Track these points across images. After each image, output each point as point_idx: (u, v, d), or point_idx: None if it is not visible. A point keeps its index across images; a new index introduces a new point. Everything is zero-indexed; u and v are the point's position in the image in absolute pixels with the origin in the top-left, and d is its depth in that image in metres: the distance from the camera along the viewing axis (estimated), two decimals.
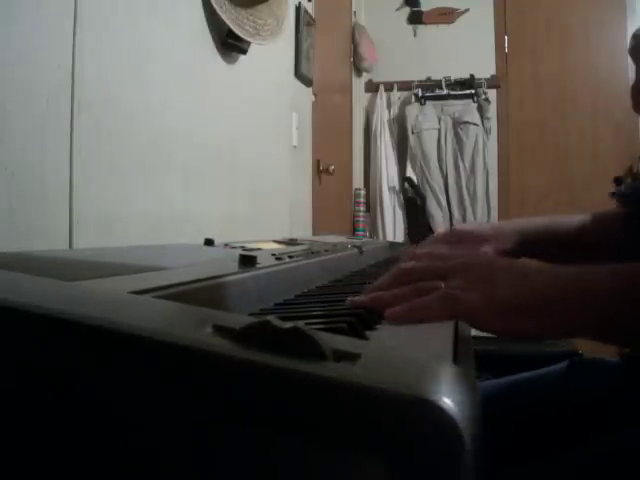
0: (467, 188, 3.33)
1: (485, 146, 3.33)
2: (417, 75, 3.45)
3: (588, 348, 2.20)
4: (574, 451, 0.61)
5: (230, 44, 1.44)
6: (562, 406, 0.72)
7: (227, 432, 0.23)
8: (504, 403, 0.77)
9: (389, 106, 3.50)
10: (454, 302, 0.45)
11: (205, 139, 1.36)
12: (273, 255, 0.75)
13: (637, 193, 0.84)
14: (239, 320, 0.27)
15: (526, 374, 0.83)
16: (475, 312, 0.44)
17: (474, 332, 0.48)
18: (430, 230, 3.30)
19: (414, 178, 3.37)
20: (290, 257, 0.77)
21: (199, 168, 1.33)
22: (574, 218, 0.86)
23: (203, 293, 0.48)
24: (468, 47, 3.44)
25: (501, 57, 3.48)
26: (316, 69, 2.32)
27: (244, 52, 1.49)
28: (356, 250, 1.17)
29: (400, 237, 3.41)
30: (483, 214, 3.33)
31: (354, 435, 0.21)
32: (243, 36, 1.39)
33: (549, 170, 3.40)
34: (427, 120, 3.38)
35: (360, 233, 3.18)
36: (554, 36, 3.44)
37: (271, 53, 1.70)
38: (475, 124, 3.33)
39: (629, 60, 0.89)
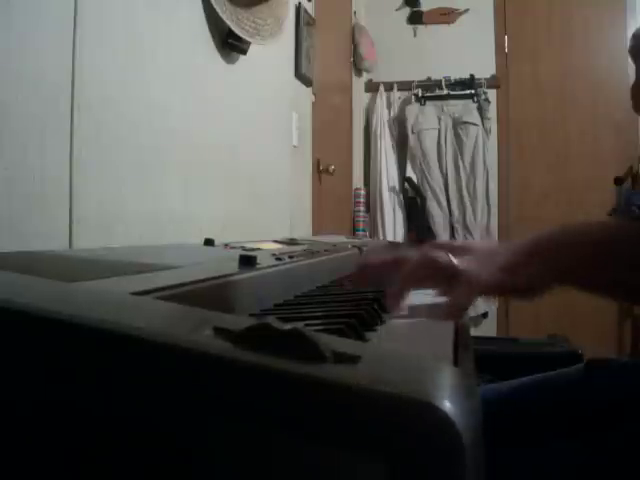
0: (467, 188, 3.33)
1: (485, 146, 3.33)
2: (417, 75, 3.45)
3: (588, 349, 2.20)
4: (590, 451, 0.62)
5: (230, 44, 1.43)
6: (580, 405, 0.72)
7: (227, 433, 0.23)
8: (520, 404, 0.77)
9: (389, 106, 3.50)
10: (472, 283, 0.54)
11: (205, 139, 1.36)
12: (273, 255, 0.75)
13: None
14: (239, 322, 0.27)
15: (540, 376, 0.82)
16: (486, 281, 0.54)
17: (474, 332, 0.50)
18: (430, 230, 3.30)
19: (414, 178, 3.37)
20: (290, 257, 0.77)
21: (199, 168, 1.33)
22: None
23: (203, 294, 0.48)
24: (468, 47, 3.44)
25: (501, 57, 3.48)
26: (316, 69, 2.32)
27: (244, 52, 1.49)
28: (356, 250, 1.17)
29: (400, 237, 3.41)
30: (483, 214, 3.33)
31: (354, 436, 0.21)
32: (243, 36, 1.39)
33: (549, 170, 3.40)
34: (427, 120, 3.38)
35: (360, 233, 3.18)
36: (554, 36, 3.44)
37: (271, 53, 1.70)
38: (475, 124, 3.32)
39: (629, 60, 0.89)
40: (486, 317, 3.26)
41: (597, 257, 0.55)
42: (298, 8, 2.12)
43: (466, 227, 3.30)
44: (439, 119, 3.39)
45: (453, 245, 0.63)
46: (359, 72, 3.45)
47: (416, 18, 3.52)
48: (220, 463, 0.23)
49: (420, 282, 0.57)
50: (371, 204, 3.44)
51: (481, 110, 3.34)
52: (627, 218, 0.99)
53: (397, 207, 3.44)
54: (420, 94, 3.42)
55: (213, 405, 0.23)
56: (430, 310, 0.61)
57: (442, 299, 0.62)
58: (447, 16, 3.48)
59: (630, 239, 0.54)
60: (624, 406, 0.67)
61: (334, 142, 2.85)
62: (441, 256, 0.56)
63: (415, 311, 0.59)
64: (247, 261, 0.63)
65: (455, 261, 0.55)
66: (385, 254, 0.62)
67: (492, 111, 3.40)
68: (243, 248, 0.85)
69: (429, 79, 3.44)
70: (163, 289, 0.43)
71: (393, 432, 0.21)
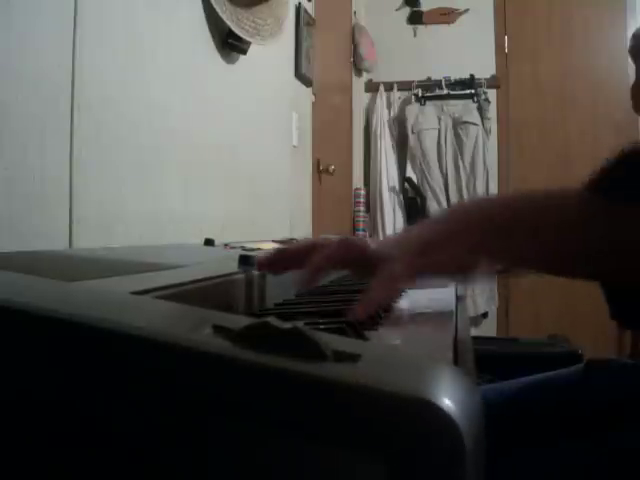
0: (467, 188, 3.33)
1: (485, 146, 3.33)
2: (417, 75, 3.45)
3: (588, 349, 2.20)
4: (590, 451, 0.62)
5: (230, 44, 1.43)
6: (581, 405, 0.72)
7: (227, 432, 0.23)
8: (519, 405, 0.77)
9: (389, 106, 3.50)
10: (393, 276, 0.48)
11: (205, 139, 1.36)
12: None
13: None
14: (239, 320, 0.27)
15: (540, 376, 0.82)
16: (410, 271, 0.48)
17: (474, 332, 0.49)
18: None
19: (414, 178, 3.37)
20: None
21: (199, 168, 1.33)
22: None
23: (203, 293, 0.48)
24: (468, 47, 3.44)
25: (501, 57, 3.48)
26: (316, 69, 2.32)
27: (244, 52, 1.49)
28: None
29: None
30: None
31: (354, 435, 0.21)
32: (243, 36, 1.39)
33: (549, 170, 3.40)
34: (427, 120, 3.38)
35: (360, 233, 3.18)
36: (554, 36, 3.44)
37: (271, 53, 1.70)
38: (475, 124, 3.32)
39: (629, 60, 0.89)
40: (486, 317, 3.26)
41: (563, 245, 0.48)
42: (298, 8, 2.12)
43: None
44: (439, 119, 3.39)
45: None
46: (359, 72, 3.45)
47: (416, 18, 3.52)
48: (220, 462, 0.23)
49: (335, 266, 0.54)
50: (371, 204, 3.44)
51: (481, 110, 3.34)
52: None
53: (397, 207, 3.44)
54: (420, 94, 3.41)
55: (213, 403, 0.23)
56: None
57: (438, 299, 0.62)
58: (447, 16, 3.48)
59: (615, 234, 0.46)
60: (624, 406, 0.67)
61: (334, 142, 2.85)
62: (357, 240, 0.53)
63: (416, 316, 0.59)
64: (247, 261, 0.63)
65: (371, 245, 0.51)
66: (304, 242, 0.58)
67: (492, 111, 3.40)
68: (243, 248, 0.85)
69: (429, 79, 3.44)
70: (163, 288, 0.43)
71: (394, 430, 0.21)
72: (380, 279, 0.48)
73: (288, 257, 0.57)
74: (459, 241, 0.48)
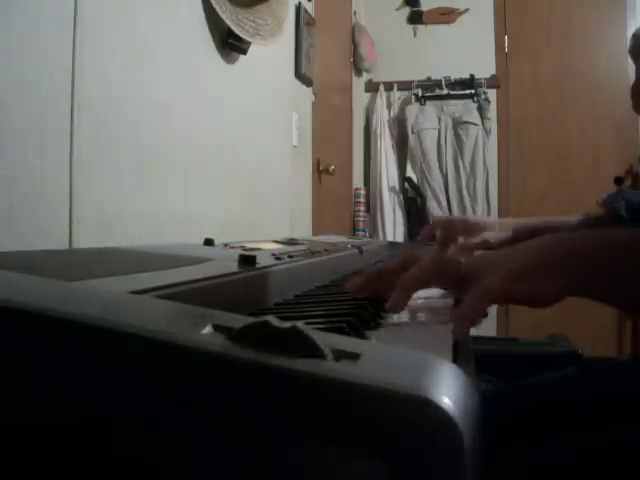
0: (467, 188, 3.33)
1: (485, 146, 3.33)
2: (417, 75, 3.45)
3: (588, 349, 2.20)
4: (589, 450, 0.62)
5: (230, 44, 1.44)
6: (580, 404, 0.72)
7: (226, 431, 0.23)
8: (519, 404, 0.78)
9: (389, 106, 3.50)
10: (486, 292, 0.48)
11: (205, 139, 1.36)
12: (273, 255, 0.75)
13: (612, 200, 0.87)
14: (238, 320, 0.27)
15: (539, 375, 0.82)
16: (502, 291, 0.48)
17: (474, 332, 0.49)
18: None
19: (414, 178, 3.37)
20: (290, 257, 0.77)
21: (199, 168, 1.33)
22: (573, 218, 0.89)
23: (203, 293, 0.48)
24: (468, 47, 3.44)
25: (501, 57, 3.48)
26: (316, 69, 2.32)
27: (244, 52, 1.49)
28: (356, 250, 1.17)
29: (400, 237, 3.41)
30: (483, 214, 3.33)
31: (354, 434, 0.21)
32: (243, 36, 1.39)
33: (549, 170, 3.40)
34: (427, 120, 3.38)
35: (360, 233, 3.18)
36: (554, 36, 3.44)
37: (271, 53, 1.70)
38: (475, 124, 3.33)
39: (629, 60, 0.89)
40: (486, 317, 3.25)
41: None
42: (298, 8, 2.12)
43: None
44: (439, 119, 3.39)
45: (467, 223, 0.56)
46: (359, 72, 3.45)
47: (416, 18, 3.53)
48: (219, 460, 0.24)
49: (427, 285, 0.53)
50: (371, 204, 3.44)
51: (481, 110, 3.34)
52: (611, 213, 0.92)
53: (397, 207, 3.44)
54: (420, 94, 3.42)
55: (212, 402, 0.23)
56: (434, 316, 0.59)
57: (438, 298, 0.62)
58: (447, 16, 3.48)
59: None
60: (624, 405, 0.67)
61: (334, 142, 2.85)
62: (450, 260, 0.52)
63: (416, 315, 0.59)
64: (247, 261, 0.63)
65: (464, 263, 0.51)
66: (392, 260, 0.56)
67: (492, 111, 3.40)
68: (243, 248, 0.85)
69: (429, 79, 3.44)
70: (162, 288, 0.43)
71: (393, 429, 0.21)
72: (473, 295, 0.48)
73: (379, 279, 0.56)
74: (550, 276, 0.48)
